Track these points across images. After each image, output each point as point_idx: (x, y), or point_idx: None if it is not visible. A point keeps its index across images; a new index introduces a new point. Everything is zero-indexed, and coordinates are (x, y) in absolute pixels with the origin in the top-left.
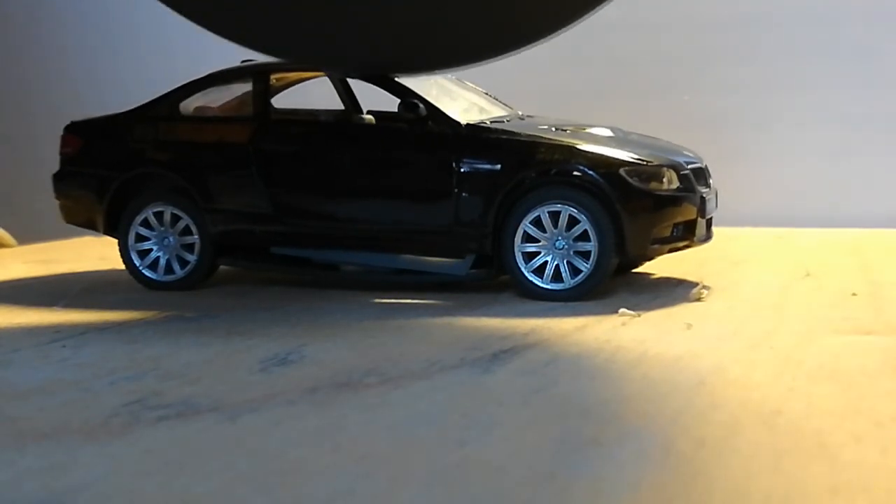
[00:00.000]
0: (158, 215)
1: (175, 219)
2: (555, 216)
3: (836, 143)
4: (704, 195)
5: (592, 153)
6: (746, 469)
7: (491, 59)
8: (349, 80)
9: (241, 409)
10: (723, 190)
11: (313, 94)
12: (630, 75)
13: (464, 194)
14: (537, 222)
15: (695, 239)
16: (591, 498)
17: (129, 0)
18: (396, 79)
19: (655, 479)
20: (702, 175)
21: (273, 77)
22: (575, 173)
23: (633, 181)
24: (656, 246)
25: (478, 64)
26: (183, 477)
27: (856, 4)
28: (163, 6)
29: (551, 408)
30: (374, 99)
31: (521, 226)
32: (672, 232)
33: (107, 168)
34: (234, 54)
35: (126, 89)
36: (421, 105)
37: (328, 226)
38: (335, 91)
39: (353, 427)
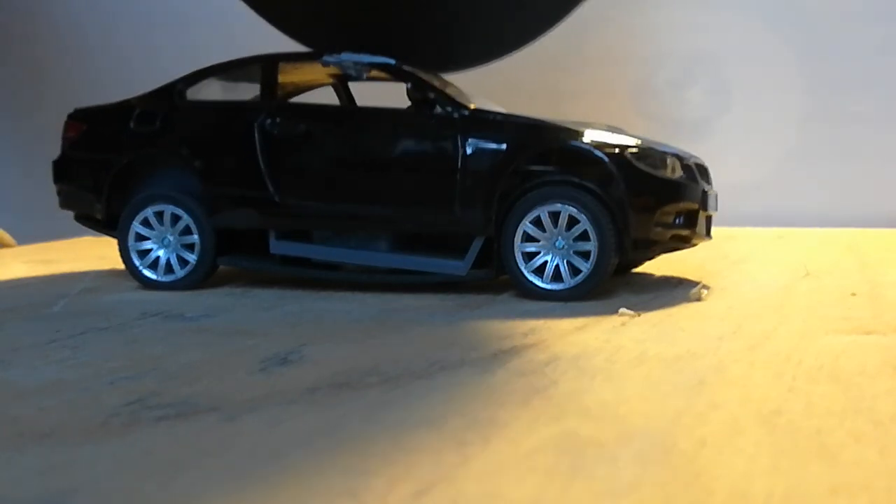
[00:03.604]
0: (158, 215)
1: (175, 218)
2: (554, 216)
3: (835, 143)
4: (707, 190)
5: (598, 137)
6: (747, 469)
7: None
8: (350, 86)
9: (241, 409)
10: (723, 190)
11: (316, 98)
12: (630, 76)
13: (469, 176)
14: (537, 222)
15: (696, 231)
16: (591, 498)
17: (130, 4)
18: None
19: (656, 479)
20: (704, 172)
21: (281, 68)
22: (581, 151)
23: (639, 164)
24: (659, 229)
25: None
26: (183, 477)
27: (857, 6)
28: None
29: (551, 408)
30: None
31: (521, 225)
32: (674, 220)
33: (109, 151)
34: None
35: (128, 90)
36: (429, 89)
37: (332, 209)
38: (337, 98)
39: (353, 427)
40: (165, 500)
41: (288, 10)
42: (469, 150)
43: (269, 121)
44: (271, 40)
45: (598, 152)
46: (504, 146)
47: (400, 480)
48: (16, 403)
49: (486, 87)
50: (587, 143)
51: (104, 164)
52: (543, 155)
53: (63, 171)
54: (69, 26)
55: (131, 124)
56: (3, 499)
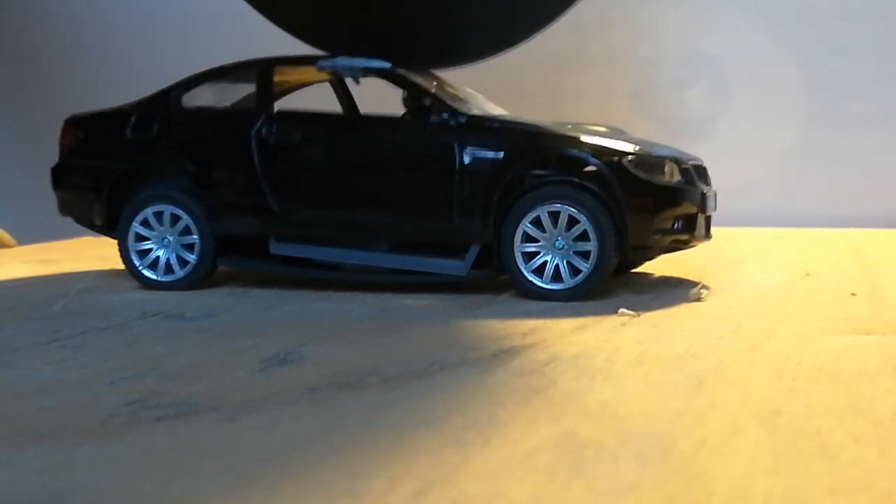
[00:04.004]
0: (158, 215)
1: (175, 219)
2: (554, 216)
3: (835, 143)
4: (705, 192)
5: (596, 143)
6: (747, 469)
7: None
8: (349, 85)
9: (241, 409)
10: (723, 190)
11: (314, 101)
12: (631, 76)
13: (467, 183)
14: (537, 222)
15: (695, 234)
16: (591, 498)
17: (130, 3)
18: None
19: (656, 479)
20: (702, 173)
21: (277, 71)
22: (578, 160)
23: (636, 171)
24: (657, 236)
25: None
26: (183, 477)
27: (857, 6)
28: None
29: (551, 408)
30: (373, 107)
31: (521, 226)
32: (673, 225)
33: (107, 158)
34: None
35: (128, 93)
36: (425, 96)
37: (330, 217)
38: (336, 97)
39: (353, 427)
40: (165, 501)
41: (289, 8)
42: (466, 158)
43: (265, 129)
44: (273, 39)
45: (594, 160)
46: (501, 154)
47: (400, 480)
48: (16, 403)
49: (487, 86)
50: (584, 151)
51: (101, 172)
52: (541, 163)
53: (61, 177)
54: (69, 26)
55: (128, 131)
56: (3, 499)
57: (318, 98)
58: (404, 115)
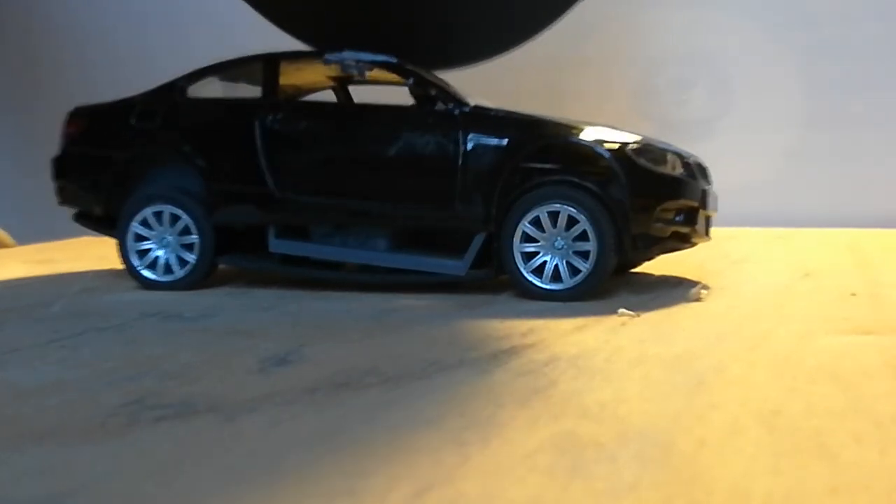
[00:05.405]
0: (157, 215)
1: (174, 218)
2: (553, 216)
3: (835, 143)
4: (706, 189)
5: (599, 133)
6: (746, 469)
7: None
8: (349, 88)
9: (241, 410)
10: (723, 190)
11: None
12: (631, 76)
13: (470, 172)
14: (536, 222)
15: (696, 229)
16: (591, 498)
17: (129, 3)
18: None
19: (655, 479)
20: (704, 172)
21: (282, 66)
22: (581, 147)
23: (640, 160)
24: (659, 225)
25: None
26: (183, 477)
27: (857, 6)
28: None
29: (551, 408)
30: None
31: (520, 226)
32: (674, 217)
33: (110, 148)
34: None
35: (127, 91)
36: (430, 86)
37: (332, 204)
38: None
39: (353, 427)
40: (165, 501)
41: (288, 9)
42: (470, 146)
43: (269, 117)
44: (270, 40)
45: (598, 148)
46: (505, 142)
47: (399, 480)
48: (16, 403)
49: (487, 86)
50: (588, 140)
51: (105, 161)
52: (544, 151)
53: (63, 167)
54: (68, 27)
55: (132, 121)
56: (3, 499)
57: (319, 95)
58: (409, 105)
